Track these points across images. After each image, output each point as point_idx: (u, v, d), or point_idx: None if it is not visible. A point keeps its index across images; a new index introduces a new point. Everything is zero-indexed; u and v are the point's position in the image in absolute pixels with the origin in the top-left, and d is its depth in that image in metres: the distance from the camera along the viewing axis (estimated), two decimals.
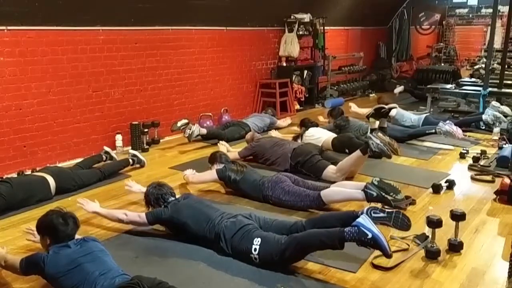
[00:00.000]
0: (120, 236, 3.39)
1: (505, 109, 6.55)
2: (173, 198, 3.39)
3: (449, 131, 5.56)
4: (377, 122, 5.31)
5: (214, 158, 4.42)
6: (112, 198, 4.17)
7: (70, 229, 2.60)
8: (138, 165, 5.07)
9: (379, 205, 3.50)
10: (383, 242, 2.50)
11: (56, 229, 2.58)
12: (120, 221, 3.39)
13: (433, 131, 5.75)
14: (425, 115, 6.87)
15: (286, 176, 4.05)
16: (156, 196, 3.38)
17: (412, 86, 9.72)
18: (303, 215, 3.68)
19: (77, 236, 2.71)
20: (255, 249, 2.85)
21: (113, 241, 3.28)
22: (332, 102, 8.98)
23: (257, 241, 2.86)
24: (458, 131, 5.60)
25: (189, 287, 2.69)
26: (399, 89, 9.38)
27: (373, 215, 2.77)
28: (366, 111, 6.07)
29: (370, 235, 2.50)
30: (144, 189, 3.61)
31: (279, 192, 3.87)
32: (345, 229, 2.58)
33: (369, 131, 5.35)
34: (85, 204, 3.50)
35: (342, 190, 3.77)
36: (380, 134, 4.13)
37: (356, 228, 2.54)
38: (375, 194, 3.50)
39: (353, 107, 6.90)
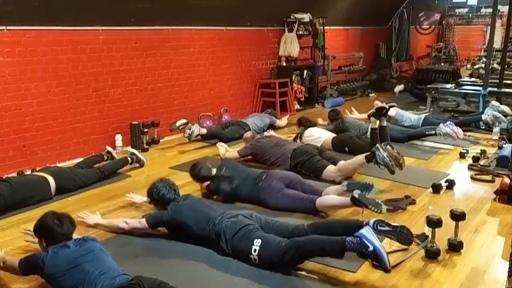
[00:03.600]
0: (120, 236, 3.39)
1: (505, 108, 6.54)
2: (174, 195, 3.37)
3: (448, 133, 5.57)
4: (378, 122, 5.30)
5: (202, 179, 4.22)
6: (112, 198, 4.17)
7: (66, 229, 2.60)
8: (137, 164, 5.06)
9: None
10: (383, 256, 2.50)
11: (52, 230, 2.59)
12: (121, 229, 3.40)
13: (433, 132, 5.75)
14: (424, 115, 6.87)
15: (281, 180, 3.97)
16: (159, 190, 3.36)
17: (412, 86, 9.72)
18: (302, 216, 3.68)
19: (76, 236, 2.71)
20: (255, 250, 2.85)
21: (113, 241, 3.28)
22: (332, 102, 8.99)
23: (257, 242, 2.86)
24: (459, 131, 5.60)
25: (189, 287, 2.69)
26: (399, 88, 9.38)
27: (379, 228, 2.73)
28: (365, 116, 6.08)
29: (371, 248, 2.50)
30: (145, 198, 3.60)
31: (274, 200, 3.85)
32: (347, 239, 2.58)
33: (369, 130, 5.34)
34: (86, 218, 3.52)
35: (335, 199, 3.71)
36: (388, 147, 4.11)
37: (358, 239, 2.54)
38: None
39: (349, 114, 6.88)
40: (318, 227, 2.99)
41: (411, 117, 6.65)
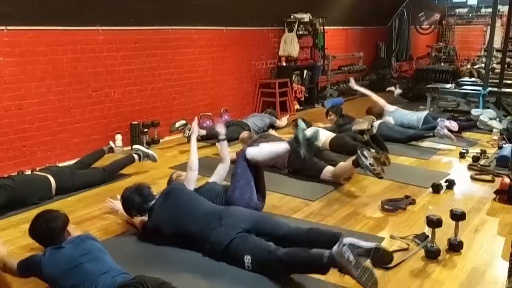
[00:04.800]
0: (120, 237, 3.39)
1: (494, 123, 6.45)
2: (151, 201, 3.24)
3: (446, 135, 5.63)
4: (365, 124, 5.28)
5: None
6: (112, 198, 4.15)
7: (55, 234, 2.56)
8: (147, 159, 4.83)
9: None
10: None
11: (40, 234, 2.59)
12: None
13: (431, 134, 5.79)
14: (424, 115, 6.84)
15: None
16: (135, 206, 3.26)
17: (411, 86, 9.72)
18: (302, 215, 3.67)
19: (78, 233, 2.70)
20: (248, 266, 2.80)
21: (113, 241, 3.28)
22: (332, 102, 8.97)
23: (248, 259, 2.79)
24: (451, 124, 5.73)
25: (190, 286, 2.69)
26: (398, 91, 9.45)
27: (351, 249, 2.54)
28: (369, 93, 6.88)
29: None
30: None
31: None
32: (324, 260, 2.53)
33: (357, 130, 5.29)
34: (112, 204, 3.54)
35: (268, 149, 3.66)
36: (367, 151, 4.06)
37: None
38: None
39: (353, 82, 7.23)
40: (302, 239, 2.86)
41: (411, 117, 6.64)
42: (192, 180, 3.61)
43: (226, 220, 2.98)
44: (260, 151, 3.57)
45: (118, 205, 3.56)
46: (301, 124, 3.50)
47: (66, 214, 2.72)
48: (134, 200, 3.24)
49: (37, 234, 2.65)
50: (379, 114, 6.56)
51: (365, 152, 4.02)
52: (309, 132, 3.52)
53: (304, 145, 3.42)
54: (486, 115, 6.52)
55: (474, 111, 6.69)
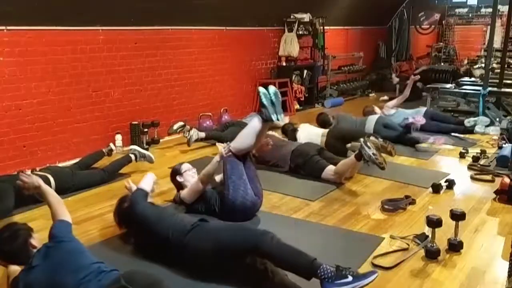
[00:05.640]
0: (119, 237, 3.38)
1: (491, 131, 6.43)
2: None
3: (433, 141, 5.75)
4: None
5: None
6: (112, 198, 4.14)
7: (18, 255, 2.42)
8: (143, 160, 4.85)
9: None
10: None
11: (5, 261, 2.48)
12: None
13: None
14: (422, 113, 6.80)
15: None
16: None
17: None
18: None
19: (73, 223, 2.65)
20: None
21: (111, 242, 3.28)
22: (332, 102, 9.00)
23: None
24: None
25: (187, 286, 2.69)
26: (396, 79, 9.46)
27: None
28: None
29: None
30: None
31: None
32: None
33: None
34: (131, 186, 3.51)
35: (244, 131, 3.66)
36: (372, 138, 4.09)
37: None
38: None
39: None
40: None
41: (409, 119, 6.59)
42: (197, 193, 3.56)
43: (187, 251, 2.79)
44: (239, 137, 3.61)
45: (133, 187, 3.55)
46: (261, 89, 3.50)
47: (27, 226, 2.56)
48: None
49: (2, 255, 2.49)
50: (370, 111, 6.59)
51: (368, 143, 4.06)
52: (270, 91, 3.52)
53: (270, 106, 3.40)
54: (479, 124, 6.48)
55: (467, 122, 6.55)
